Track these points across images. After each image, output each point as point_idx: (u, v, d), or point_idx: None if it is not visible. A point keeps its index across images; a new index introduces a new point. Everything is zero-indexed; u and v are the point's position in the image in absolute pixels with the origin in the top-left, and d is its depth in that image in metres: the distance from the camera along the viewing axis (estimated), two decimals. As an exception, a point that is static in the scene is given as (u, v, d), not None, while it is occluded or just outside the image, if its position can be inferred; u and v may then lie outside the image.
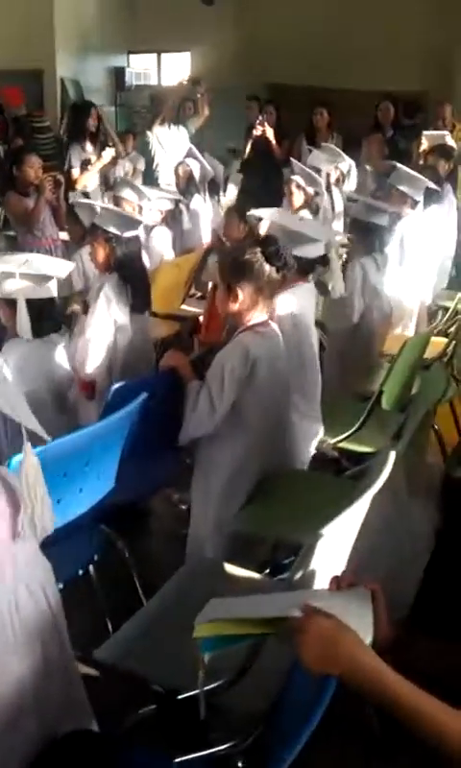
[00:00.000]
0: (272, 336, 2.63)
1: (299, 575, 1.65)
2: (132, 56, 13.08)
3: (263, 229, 2.90)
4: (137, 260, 3.67)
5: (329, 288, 3.23)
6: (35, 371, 2.89)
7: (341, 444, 3.23)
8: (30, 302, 2.86)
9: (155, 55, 13.01)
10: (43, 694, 1.41)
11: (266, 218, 3.06)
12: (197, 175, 6.17)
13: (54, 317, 3.03)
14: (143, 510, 3.53)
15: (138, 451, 2.68)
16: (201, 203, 6.08)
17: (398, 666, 1.34)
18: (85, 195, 6.05)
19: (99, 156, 6.25)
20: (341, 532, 1.83)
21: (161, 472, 2.95)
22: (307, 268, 3.04)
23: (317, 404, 3.08)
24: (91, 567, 2.69)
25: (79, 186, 6.14)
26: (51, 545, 2.34)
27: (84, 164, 6.21)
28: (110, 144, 6.49)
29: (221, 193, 6.72)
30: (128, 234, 3.54)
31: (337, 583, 1.42)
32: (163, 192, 5.74)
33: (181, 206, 5.76)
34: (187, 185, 6.17)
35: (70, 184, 6.24)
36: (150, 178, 7.18)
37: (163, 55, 12.98)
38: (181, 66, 12.71)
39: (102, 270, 3.60)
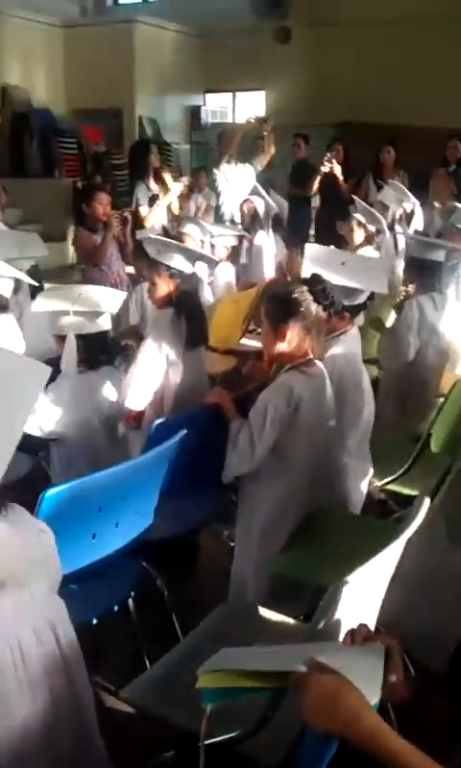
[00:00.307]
0: (317, 375, 2.60)
1: (321, 624, 1.61)
2: (208, 95, 13.41)
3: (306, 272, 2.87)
4: (195, 296, 3.71)
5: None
6: (85, 401, 2.95)
7: (389, 487, 3.16)
8: (84, 336, 2.92)
9: (230, 94, 13.30)
10: (52, 738, 1.39)
11: (307, 269, 3.01)
12: (261, 211, 6.23)
13: (107, 349, 3.08)
14: (192, 546, 3.52)
15: (179, 487, 2.68)
16: (265, 238, 6.13)
17: (411, 726, 1.29)
18: (165, 231, 6.12)
19: (165, 193, 6.34)
20: (369, 579, 1.78)
21: (204, 509, 2.94)
22: (354, 313, 3.00)
23: (367, 445, 3.04)
24: (131, 603, 2.69)
25: (147, 223, 6.23)
26: (86, 580, 2.38)
27: (152, 201, 6.31)
28: (173, 179, 6.56)
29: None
30: (192, 270, 3.58)
31: (352, 636, 1.38)
32: (228, 229, 5.80)
33: (244, 242, 5.82)
34: (252, 222, 6.24)
35: (138, 222, 6.36)
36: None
37: (238, 94, 13.25)
38: (256, 105, 12.94)
39: (159, 305, 3.64)
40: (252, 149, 7.48)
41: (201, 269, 5.48)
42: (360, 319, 3.88)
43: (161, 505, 2.62)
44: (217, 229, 5.66)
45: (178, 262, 3.50)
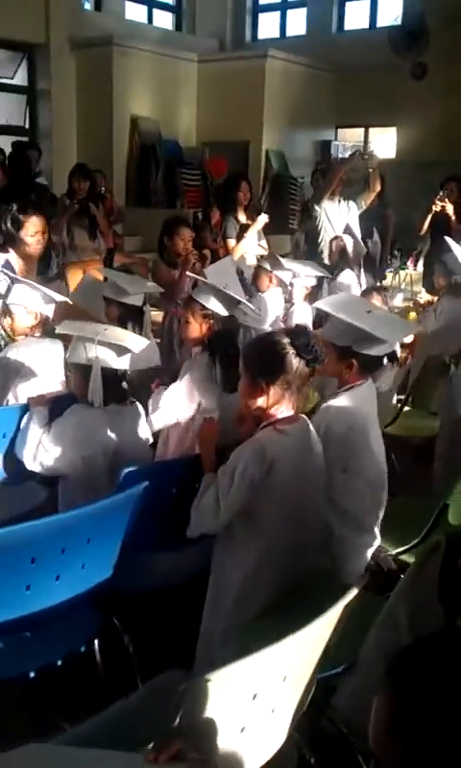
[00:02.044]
0: (298, 434, 2.39)
1: (177, 721, 1.44)
2: (340, 129, 13.32)
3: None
4: (232, 338, 3.59)
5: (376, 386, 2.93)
6: (90, 438, 2.88)
7: (404, 557, 2.90)
8: (102, 371, 2.86)
9: (362, 129, 13.16)
10: None
11: (331, 309, 2.81)
12: (350, 250, 6.05)
13: (120, 388, 3.01)
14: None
15: (158, 540, 2.56)
16: (350, 278, 5.92)
17: None
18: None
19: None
20: (258, 673, 1.59)
21: (190, 564, 2.76)
22: (370, 366, 2.77)
23: (374, 516, 2.79)
24: (98, 657, 2.57)
25: (235, 256, 6.18)
26: (33, 630, 2.28)
27: (241, 232, 6.26)
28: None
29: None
30: (225, 312, 3.47)
31: (156, 755, 1.21)
32: (310, 268, 5.65)
33: (325, 283, 5.65)
34: (339, 260, 6.08)
35: (228, 254, 6.32)
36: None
37: (371, 129, 13.09)
38: (388, 140, 12.75)
39: (191, 344, 3.54)
40: (356, 186, 7.30)
41: (276, 307, 5.38)
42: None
43: (121, 559, 2.50)
44: (298, 268, 5.52)
45: (213, 303, 3.41)
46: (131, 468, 2.44)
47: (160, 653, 2.69)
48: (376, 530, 2.79)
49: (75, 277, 7.02)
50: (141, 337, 3.26)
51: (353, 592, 1.80)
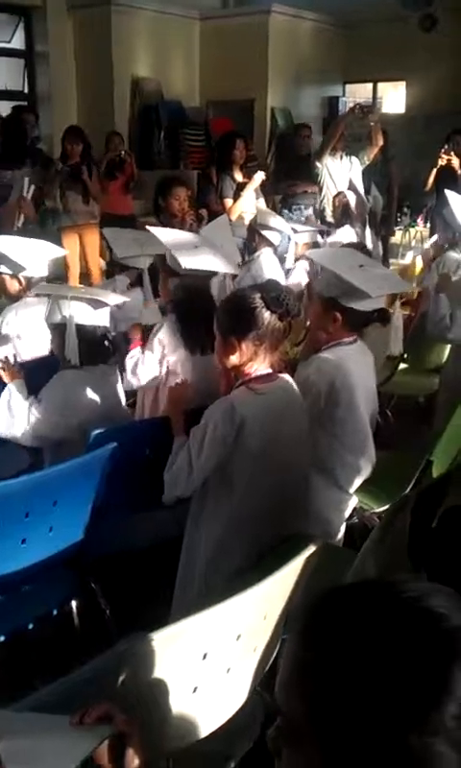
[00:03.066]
0: (274, 392, 2.31)
1: (119, 683, 1.40)
2: (348, 85, 13.00)
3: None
4: (198, 299, 3.44)
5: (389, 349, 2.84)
6: (83, 401, 2.81)
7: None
8: (80, 329, 2.79)
9: (371, 84, 12.83)
10: None
11: (323, 262, 2.73)
12: (352, 206, 5.92)
13: (104, 346, 2.94)
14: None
15: (117, 504, 2.51)
16: (349, 234, 5.79)
17: None
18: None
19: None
20: (207, 634, 1.54)
21: (149, 529, 2.71)
22: (357, 322, 2.69)
23: (351, 476, 2.72)
24: (76, 618, 2.55)
25: (233, 216, 6.06)
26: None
27: (238, 191, 6.13)
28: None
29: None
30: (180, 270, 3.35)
31: (82, 715, 1.17)
32: (307, 225, 5.55)
33: (323, 239, 5.54)
34: (342, 216, 5.96)
35: (227, 214, 6.21)
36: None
37: (380, 84, 12.76)
38: (399, 95, 12.46)
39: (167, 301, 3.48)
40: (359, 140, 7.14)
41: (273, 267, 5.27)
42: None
43: (110, 520, 2.47)
44: (299, 225, 5.44)
45: (171, 260, 3.30)
46: (99, 430, 2.38)
47: (141, 615, 2.67)
48: (351, 491, 2.73)
49: (70, 241, 6.97)
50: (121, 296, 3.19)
51: (311, 549, 1.74)
